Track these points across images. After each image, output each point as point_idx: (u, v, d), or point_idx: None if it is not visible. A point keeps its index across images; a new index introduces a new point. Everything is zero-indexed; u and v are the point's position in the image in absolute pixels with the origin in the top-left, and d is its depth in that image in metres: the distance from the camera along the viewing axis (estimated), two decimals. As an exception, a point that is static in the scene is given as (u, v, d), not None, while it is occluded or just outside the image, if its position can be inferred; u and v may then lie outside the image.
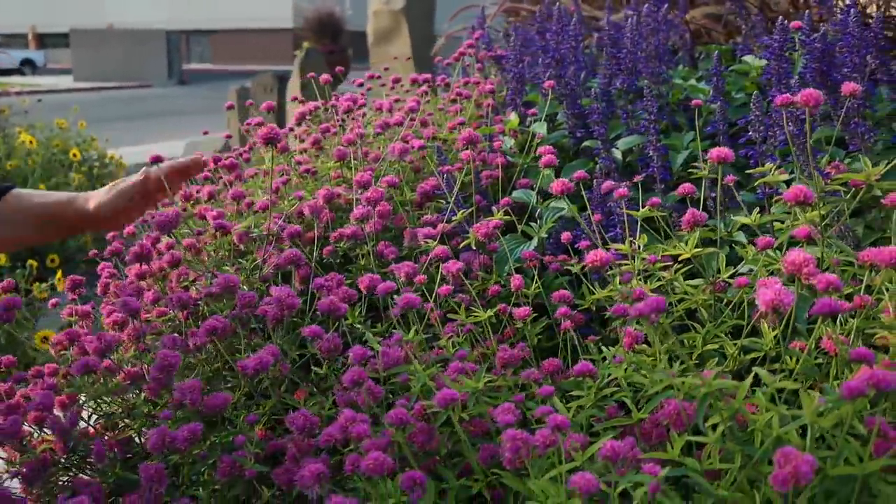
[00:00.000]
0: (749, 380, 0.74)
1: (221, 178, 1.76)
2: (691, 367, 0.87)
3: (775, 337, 0.91)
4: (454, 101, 1.98)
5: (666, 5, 2.15)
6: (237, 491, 1.02)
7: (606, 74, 1.69)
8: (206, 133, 4.22)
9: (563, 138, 1.67)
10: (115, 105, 17.66)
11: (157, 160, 1.40)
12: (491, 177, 1.59)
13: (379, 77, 2.36)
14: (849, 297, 0.91)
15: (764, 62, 1.70)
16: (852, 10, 1.30)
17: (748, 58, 1.85)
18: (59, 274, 3.12)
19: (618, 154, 1.52)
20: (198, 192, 1.71)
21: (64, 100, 15.79)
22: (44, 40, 30.20)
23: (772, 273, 0.94)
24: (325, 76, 2.04)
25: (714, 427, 0.75)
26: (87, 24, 24.77)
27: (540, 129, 1.64)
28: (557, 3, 2.29)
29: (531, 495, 0.80)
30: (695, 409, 0.77)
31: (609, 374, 0.92)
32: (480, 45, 2.38)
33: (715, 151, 0.98)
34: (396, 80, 2.21)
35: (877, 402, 0.72)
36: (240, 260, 1.42)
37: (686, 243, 1.02)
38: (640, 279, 1.08)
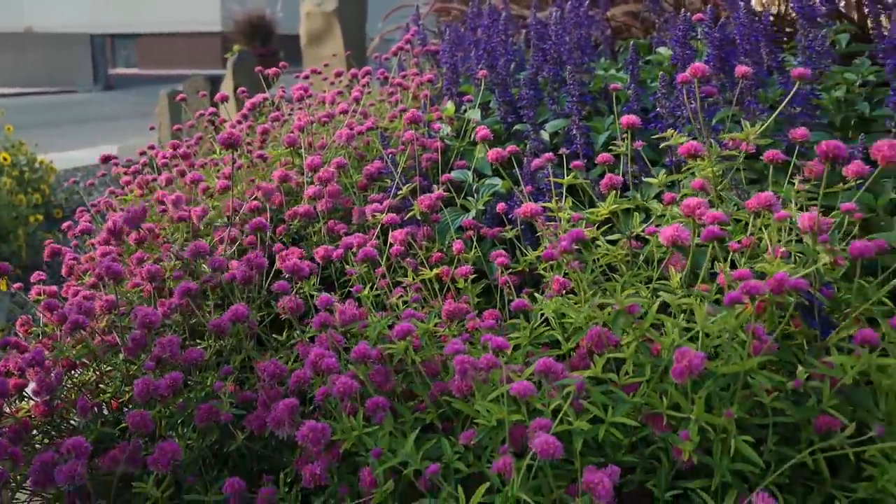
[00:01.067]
0: (657, 303, 0.89)
1: (176, 166, 1.85)
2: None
3: (681, 279, 1.07)
4: (392, 93, 2.11)
5: (587, 2, 2.32)
6: (213, 437, 1.13)
7: (534, 65, 1.84)
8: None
9: (496, 124, 1.82)
10: (39, 111, 17.18)
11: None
12: (430, 159, 1.72)
13: (320, 72, 2.47)
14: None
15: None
16: (742, 4, 1.48)
17: (661, 49, 2.03)
18: None
19: (545, 135, 1.67)
20: (154, 179, 1.80)
21: (-16, 106, 15.28)
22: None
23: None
24: (272, 69, 2.14)
25: (629, 345, 0.90)
26: (3, 27, 24.02)
27: (474, 115, 1.78)
28: (487, 2, 2.44)
29: (477, 415, 0.94)
30: (612, 334, 0.91)
31: (542, 314, 1.07)
32: (416, 41, 2.52)
33: (625, 118, 1.13)
34: (338, 74, 2.32)
35: (759, 317, 0.88)
36: (199, 238, 1.52)
37: (611, 200, 1.17)
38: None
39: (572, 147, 1.52)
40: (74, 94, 21.68)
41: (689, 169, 1.17)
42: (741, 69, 1.26)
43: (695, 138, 1.19)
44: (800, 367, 0.84)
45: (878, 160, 0.88)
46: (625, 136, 1.38)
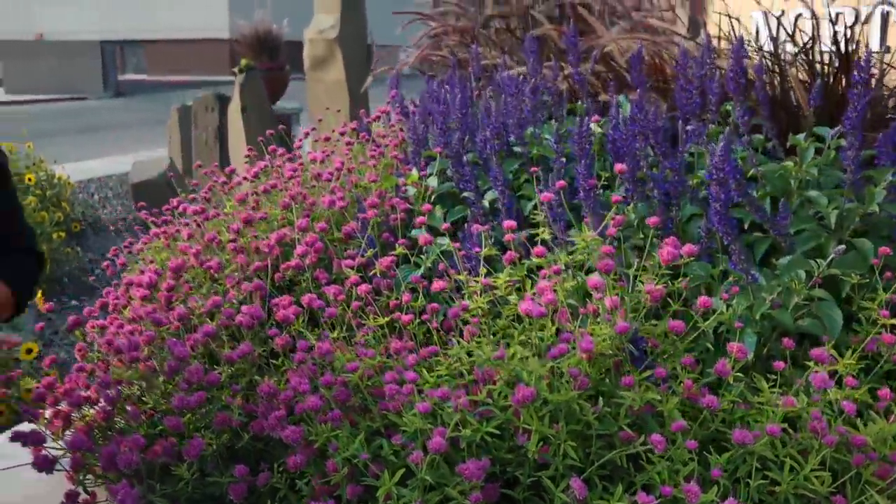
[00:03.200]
0: (513, 349, 1.37)
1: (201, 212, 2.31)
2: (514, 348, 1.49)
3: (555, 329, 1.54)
4: (372, 155, 2.58)
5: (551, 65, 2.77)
6: (226, 437, 1.61)
7: (481, 140, 2.31)
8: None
9: (452, 189, 2.29)
10: (52, 118, 17.71)
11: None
12: (397, 219, 2.19)
13: (314, 129, 2.95)
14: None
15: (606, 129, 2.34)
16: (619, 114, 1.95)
17: (594, 125, 2.50)
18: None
19: (486, 203, 2.14)
20: (177, 231, 2.28)
21: (-3, 112, 15.77)
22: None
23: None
24: (272, 147, 2.62)
25: (501, 380, 1.37)
26: (15, 35, 24.57)
27: (432, 182, 2.25)
28: (455, 72, 2.92)
29: (403, 424, 1.41)
30: (491, 373, 1.39)
31: (455, 354, 1.54)
32: (395, 104, 3.00)
33: (543, 195, 1.60)
34: (326, 139, 2.80)
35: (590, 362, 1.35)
36: (216, 284, 2.00)
37: (506, 273, 1.65)
38: (483, 296, 1.70)
39: (499, 216, 2.00)
40: (85, 101, 22.22)
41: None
42: (618, 167, 1.73)
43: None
44: (600, 398, 1.31)
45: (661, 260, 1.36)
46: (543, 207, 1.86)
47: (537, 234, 1.90)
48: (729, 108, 2.34)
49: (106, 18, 29.86)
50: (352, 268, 1.88)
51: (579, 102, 3.11)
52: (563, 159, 2.20)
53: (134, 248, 2.37)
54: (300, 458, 1.47)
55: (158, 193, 7.15)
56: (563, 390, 1.30)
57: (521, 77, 3.26)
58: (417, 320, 1.76)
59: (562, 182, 1.78)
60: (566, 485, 1.31)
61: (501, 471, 1.44)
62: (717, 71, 2.37)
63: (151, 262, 2.28)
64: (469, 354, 1.54)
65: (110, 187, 9.37)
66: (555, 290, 1.41)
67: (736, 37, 2.29)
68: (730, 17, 2.96)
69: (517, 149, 2.40)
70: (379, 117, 2.88)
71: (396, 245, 2.00)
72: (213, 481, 1.58)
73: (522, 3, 4.54)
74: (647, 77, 2.72)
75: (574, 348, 1.35)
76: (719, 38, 3.06)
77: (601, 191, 1.99)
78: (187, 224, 2.33)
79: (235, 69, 12.49)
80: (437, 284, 1.59)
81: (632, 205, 1.92)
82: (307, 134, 2.90)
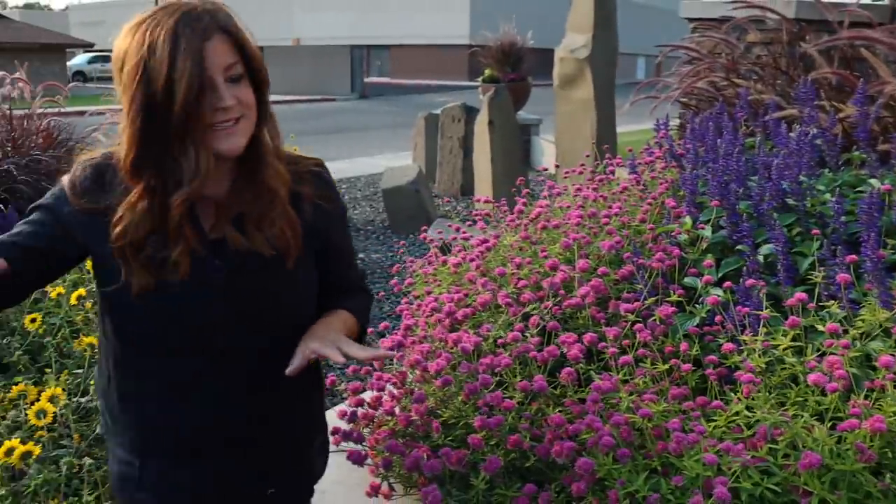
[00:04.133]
0: (792, 410, 1.49)
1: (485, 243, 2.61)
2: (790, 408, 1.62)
3: (835, 398, 1.64)
4: (642, 197, 2.76)
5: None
6: (515, 455, 1.86)
7: (758, 193, 2.41)
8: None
9: (724, 239, 2.41)
10: (307, 118, 19.37)
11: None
12: (670, 265, 2.35)
13: (564, 189, 3.15)
14: None
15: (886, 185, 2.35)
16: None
17: (873, 181, 2.52)
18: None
19: (760, 257, 2.25)
20: (460, 263, 2.58)
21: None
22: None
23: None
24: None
25: (784, 440, 1.51)
26: (276, 41, 27.06)
27: (706, 233, 2.39)
28: (722, 111, 3.01)
29: (684, 468, 1.58)
30: (772, 432, 1.53)
31: (735, 410, 1.69)
32: (664, 144, 3.15)
33: (795, 296, 1.72)
34: (578, 190, 2.97)
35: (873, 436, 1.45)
36: (499, 312, 2.27)
37: (784, 336, 1.76)
38: (762, 356, 1.83)
39: (777, 274, 2.10)
40: (333, 102, 24.12)
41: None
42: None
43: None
44: (888, 474, 1.41)
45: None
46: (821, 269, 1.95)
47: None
48: None
49: (356, 24, 32.13)
50: (631, 311, 2.07)
51: (854, 150, 3.08)
52: (843, 218, 2.26)
53: (421, 269, 2.72)
54: (583, 485, 1.68)
55: (407, 199, 7.75)
56: (847, 461, 1.42)
57: (793, 122, 3.29)
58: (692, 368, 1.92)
59: (852, 256, 1.86)
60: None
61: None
62: None
63: (437, 284, 2.61)
64: (749, 409, 1.68)
65: (359, 189, 10.17)
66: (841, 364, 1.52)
67: None
68: None
69: (790, 201, 2.47)
70: (649, 162, 3.04)
71: (671, 291, 2.17)
72: (500, 493, 1.84)
73: (789, 29, 4.50)
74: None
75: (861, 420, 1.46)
76: None
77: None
78: (469, 257, 2.61)
79: (479, 79, 13.03)
80: (726, 346, 1.75)
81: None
82: (557, 193, 3.11)
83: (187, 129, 1.22)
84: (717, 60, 4.01)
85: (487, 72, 12.31)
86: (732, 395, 1.79)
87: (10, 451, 2.06)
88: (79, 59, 36.47)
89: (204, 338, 1.36)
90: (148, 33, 1.22)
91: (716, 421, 1.71)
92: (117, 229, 1.28)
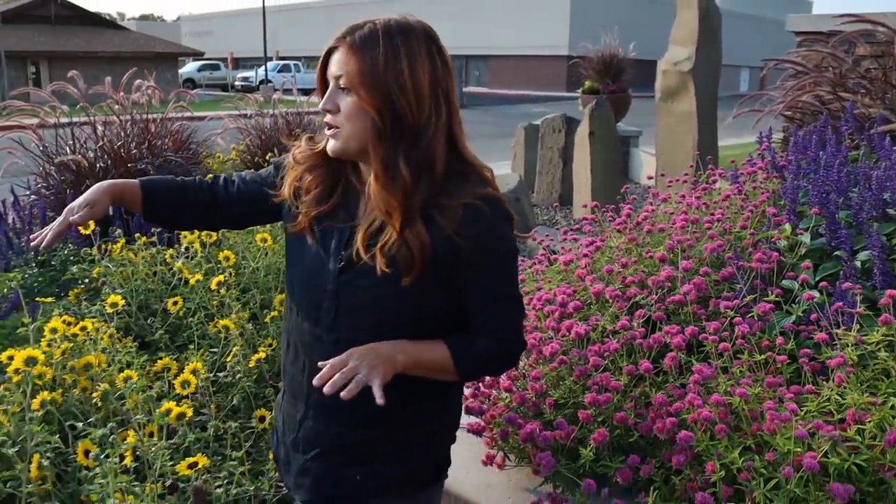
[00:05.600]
0: (882, 397, 1.67)
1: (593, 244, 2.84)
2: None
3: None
4: (743, 206, 2.92)
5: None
6: (620, 431, 2.08)
7: (858, 203, 2.56)
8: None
9: (822, 246, 2.56)
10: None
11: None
12: (769, 268, 2.52)
13: (667, 196, 3.34)
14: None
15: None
16: None
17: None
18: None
19: (857, 263, 2.40)
20: (570, 261, 2.81)
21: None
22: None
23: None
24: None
25: (871, 422, 1.69)
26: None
27: (805, 239, 2.55)
28: (827, 124, 3.14)
29: (776, 444, 1.77)
30: (860, 415, 1.70)
31: (827, 395, 1.87)
32: (766, 155, 3.30)
33: (888, 293, 1.88)
34: (682, 197, 3.16)
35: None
36: (606, 306, 2.49)
37: (877, 332, 1.93)
38: (855, 349, 2.00)
39: (873, 278, 2.25)
40: (433, 112, 24.46)
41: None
42: None
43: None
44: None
45: None
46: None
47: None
48: None
49: (456, 34, 32.65)
50: (730, 308, 2.26)
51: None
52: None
53: (531, 268, 2.96)
54: (682, 458, 1.89)
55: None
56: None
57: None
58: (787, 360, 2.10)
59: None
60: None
61: (861, 500, 1.74)
62: None
63: (547, 281, 2.84)
64: (841, 396, 1.85)
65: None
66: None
67: None
68: None
69: (891, 211, 2.61)
70: (751, 172, 3.21)
71: (769, 292, 2.34)
72: (605, 465, 2.06)
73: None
74: None
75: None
76: None
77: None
78: (579, 254, 2.85)
79: (579, 90, 13.16)
80: (820, 336, 1.94)
81: None
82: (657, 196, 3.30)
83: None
84: (823, 74, 4.11)
85: (587, 83, 12.45)
86: (824, 384, 1.97)
87: (167, 412, 2.39)
88: (189, 67, 38.31)
89: (315, 308, 1.53)
90: None
91: (807, 406, 1.89)
92: (287, 181, 1.58)
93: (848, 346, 1.97)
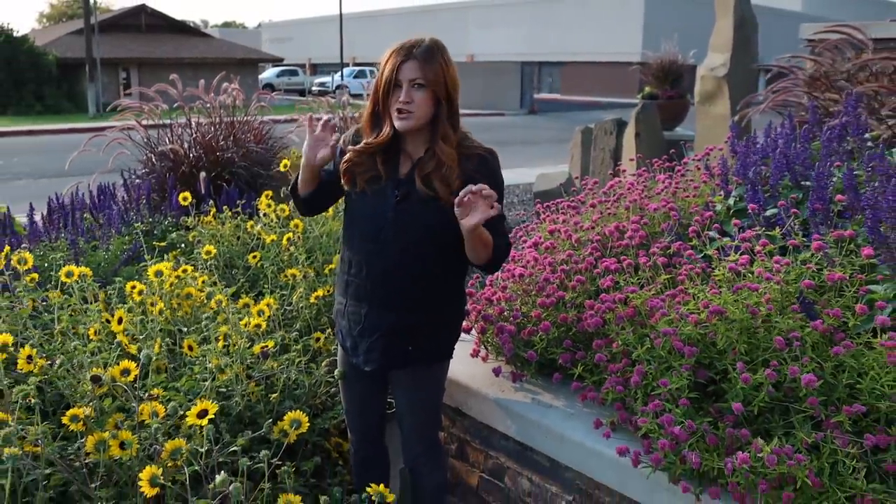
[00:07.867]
0: (724, 297, 2.52)
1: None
2: None
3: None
4: (696, 186, 3.76)
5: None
6: (562, 329, 2.96)
7: (775, 172, 3.37)
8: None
9: (744, 206, 3.39)
10: (476, 131, 20.22)
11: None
12: (700, 221, 3.35)
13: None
14: None
15: None
16: None
17: None
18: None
19: (763, 217, 3.22)
20: (556, 218, 3.70)
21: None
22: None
23: None
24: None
25: None
26: (453, 57, 28.71)
27: (730, 202, 3.39)
28: (790, 120, 3.96)
29: (656, 327, 2.63)
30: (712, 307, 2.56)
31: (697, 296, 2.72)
32: (729, 144, 4.12)
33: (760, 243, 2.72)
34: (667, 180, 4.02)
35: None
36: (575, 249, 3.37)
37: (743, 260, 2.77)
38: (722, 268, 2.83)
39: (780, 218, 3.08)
40: (502, 117, 25.42)
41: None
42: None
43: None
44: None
45: None
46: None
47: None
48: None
49: (529, 41, 33.42)
50: (660, 248, 3.12)
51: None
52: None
53: (528, 227, 3.85)
54: (600, 343, 2.76)
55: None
56: (740, 314, 2.43)
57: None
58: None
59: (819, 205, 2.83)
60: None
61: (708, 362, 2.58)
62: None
63: (537, 234, 3.74)
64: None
65: (516, 195, 11.39)
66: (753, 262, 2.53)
67: None
68: None
69: (805, 183, 3.42)
70: (703, 157, 4.04)
71: (692, 239, 3.20)
72: (552, 351, 2.94)
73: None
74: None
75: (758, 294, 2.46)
76: None
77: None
78: (563, 213, 3.72)
79: (638, 96, 13.89)
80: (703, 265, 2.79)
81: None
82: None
83: (384, 109, 2.42)
84: (798, 76, 4.88)
85: (647, 89, 13.19)
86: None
87: (247, 324, 3.35)
88: (268, 73, 40.20)
89: (377, 233, 2.48)
90: (386, 53, 2.38)
91: (688, 306, 2.74)
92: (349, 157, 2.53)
93: (720, 266, 2.81)
